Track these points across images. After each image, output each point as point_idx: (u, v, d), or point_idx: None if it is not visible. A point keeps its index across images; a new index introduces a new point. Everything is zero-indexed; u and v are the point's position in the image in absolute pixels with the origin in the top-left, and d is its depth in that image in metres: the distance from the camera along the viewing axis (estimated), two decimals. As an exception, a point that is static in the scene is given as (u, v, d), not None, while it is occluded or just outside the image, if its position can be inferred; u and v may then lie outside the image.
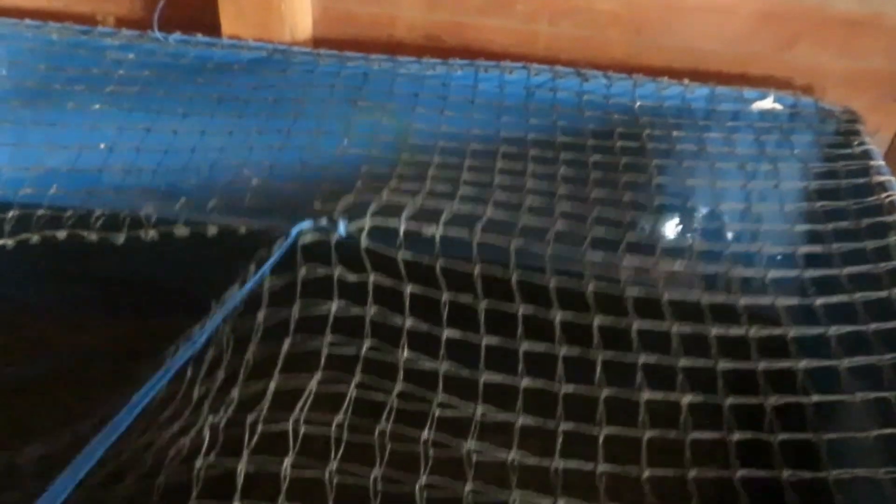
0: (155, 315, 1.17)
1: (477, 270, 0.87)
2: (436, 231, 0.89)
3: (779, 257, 0.92)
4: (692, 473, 0.73)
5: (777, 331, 0.83)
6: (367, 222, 0.89)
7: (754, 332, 0.83)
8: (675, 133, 1.10)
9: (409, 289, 0.85)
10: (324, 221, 0.89)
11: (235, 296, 0.85)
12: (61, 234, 0.92)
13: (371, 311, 0.83)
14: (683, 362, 0.81)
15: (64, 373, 1.10)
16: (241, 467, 0.68)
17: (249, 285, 0.83)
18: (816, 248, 0.92)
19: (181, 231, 0.87)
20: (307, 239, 0.88)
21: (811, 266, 0.90)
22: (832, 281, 0.88)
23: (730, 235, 0.96)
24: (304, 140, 1.05)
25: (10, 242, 0.92)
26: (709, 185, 1.01)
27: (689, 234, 0.97)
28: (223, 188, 0.96)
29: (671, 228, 1.00)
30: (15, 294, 1.23)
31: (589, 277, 0.87)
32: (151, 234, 0.87)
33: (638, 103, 1.17)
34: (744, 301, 0.85)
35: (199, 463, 0.69)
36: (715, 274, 0.88)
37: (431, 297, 0.85)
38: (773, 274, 0.87)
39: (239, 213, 0.91)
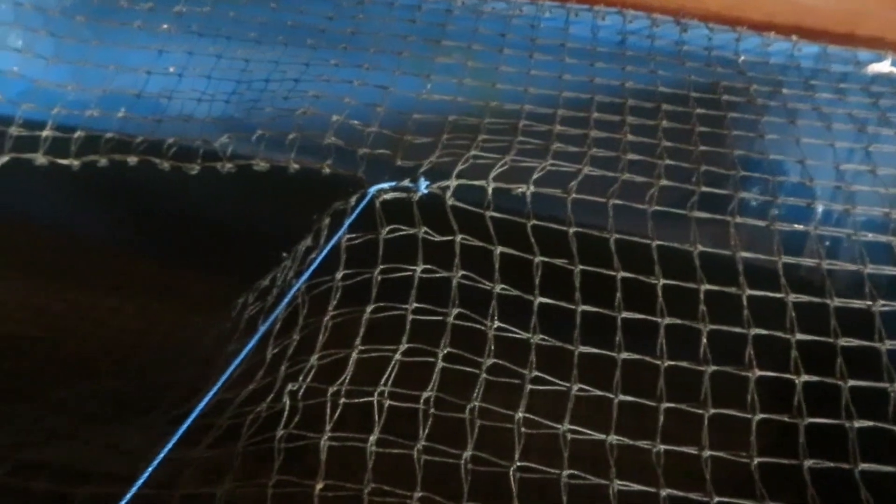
0: (217, 256, 1.13)
1: (571, 231, 0.80)
2: (526, 189, 0.82)
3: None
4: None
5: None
6: (452, 182, 0.82)
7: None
8: (784, 91, 1.01)
9: (498, 251, 0.79)
10: (406, 181, 0.83)
11: (310, 254, 0.81)
12: (132, 160, 0.87)
13: (457, 274, 0.77)
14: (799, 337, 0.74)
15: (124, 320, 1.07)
16: (324, 443, 0.64)
17: (328, 248, 0.78)
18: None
19: (261, 165, 0.82)
20: (387, 196, 0.82)
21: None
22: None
23: (838, 206, 0.87)
24: (384, 79, 0.98)
25: (76, 163, 0.87)
26: (823, 147, 0.92)
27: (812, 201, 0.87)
28: (300, 124, 0.90)
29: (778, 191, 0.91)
30: (70, 223, 1.20)
31: (694, 241, 0.79)
32: (228, 166, 0.82)
33: (742, 58, 1.08)
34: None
35: (279, 433, 0.65)
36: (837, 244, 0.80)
37: (522, 260, 0.79)
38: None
39: (317, 154, 0.85)
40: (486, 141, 0.87)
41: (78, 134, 0.89)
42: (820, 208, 0.85)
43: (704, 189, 0.85)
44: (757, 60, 1.07)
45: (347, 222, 0.79)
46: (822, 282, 0.77)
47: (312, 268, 0.79)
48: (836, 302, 0.76)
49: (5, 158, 0.87)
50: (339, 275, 0.76)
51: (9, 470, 0.68)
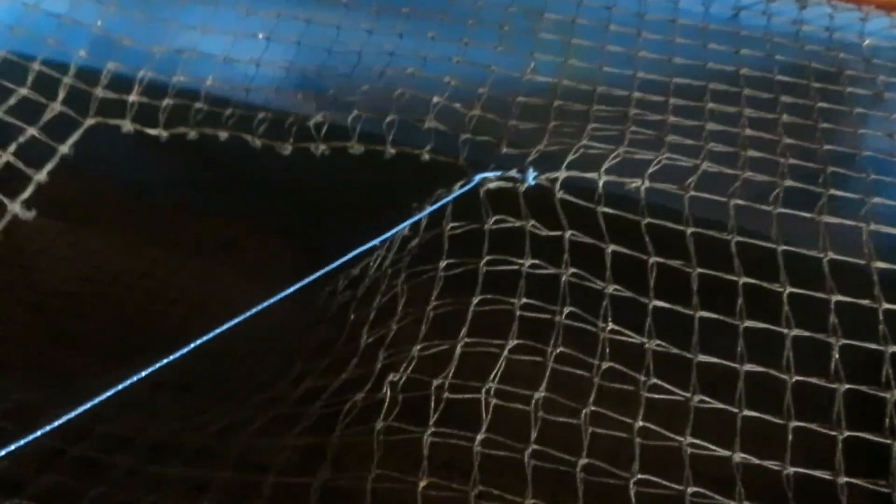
0: (308, 235, 1.09)
1: (689, 231, 0.74)
2: (641, 184, 0.77)
3: None
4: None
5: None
6: (561, 173, 0.78)
7: None
8: None
9: (610, 248, 0.74)
10: (513, 171, 0.78)
11: (408, 243, 0.77)
12: (223, 135, 0.85)
13: (567, 271, 0.72)
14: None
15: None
16: (427, 438, 0.60)
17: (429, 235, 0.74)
18: None
19: (356, 148, 0.78)
20: (492, 185, 0.78)
21: None
22: None
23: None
24: (485, 56, 0.92)
25: (164, 134, 0.85)
26: None
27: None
28: (397, 102, 0.86)
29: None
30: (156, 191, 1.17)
31: (823, 247, 0.73)
32: (322, 148, 0.79)
33: (867, 41, 0.99)
34: None
35: (378, 425, 0.61)
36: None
37: (635, 259, 0.74)
38: None
39: (416, 135, 0.81)
40: (595, 129, 0.82)
41: (166, 102, 0.86)
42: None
43: (832, 192, 0.79)
44: (885, 44, 0.98)
45: (449, 210, 0.75)
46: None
47: (406, 255, 0.75)
48: None
49: (91, 122, 0.86)
50: (441, 264, 0.72)
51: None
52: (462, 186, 0.78)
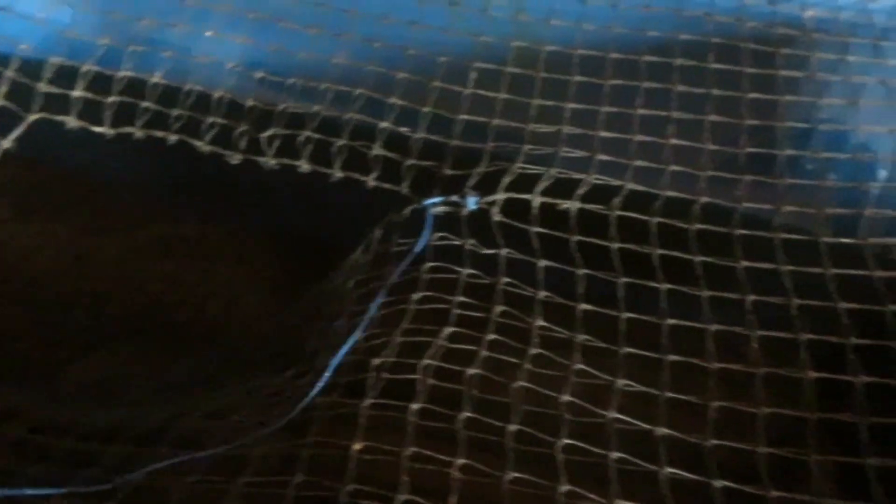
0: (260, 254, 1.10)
1: (616, 246, 0.81)
2: (571, 206, 0.85)
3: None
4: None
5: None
6: (499, 196, 0.85)
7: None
8: (850, 59, 0.97)
9: (542, 263, 0.80)
10: (455, 197, 0.86)
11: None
12: (172, 138, 0.87)
13: (503, 280, 0.78)
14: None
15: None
16: (364, 409, 0.64)
17: (401, 267, 0.79)
18: None
19: (304, 168, 0.85)
20: (438, 210, 0.85)
21: None
22: None
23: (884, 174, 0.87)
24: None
25: (110, 132, 0.88)
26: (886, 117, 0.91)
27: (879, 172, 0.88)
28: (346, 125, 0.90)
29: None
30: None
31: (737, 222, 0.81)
32: (271, 163, 0.85)
33: (809, 12, 1.02)
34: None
35: (318, 400, 0.65)
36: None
37: (567, 271, 0.80)
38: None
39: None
40: (532, 132, 0.89)
41: (112, 99, 0.88)
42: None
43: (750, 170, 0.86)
44: (825, 15, 1.01)
45: (420, 244, 0.80)
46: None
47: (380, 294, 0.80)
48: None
49: (34, 118, 0.87)
50: (386, 271, 0.78)
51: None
52: (412, 212, 0.85)
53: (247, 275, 0.96)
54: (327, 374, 0.66)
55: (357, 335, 0.69)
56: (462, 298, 0.75)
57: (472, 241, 0.81)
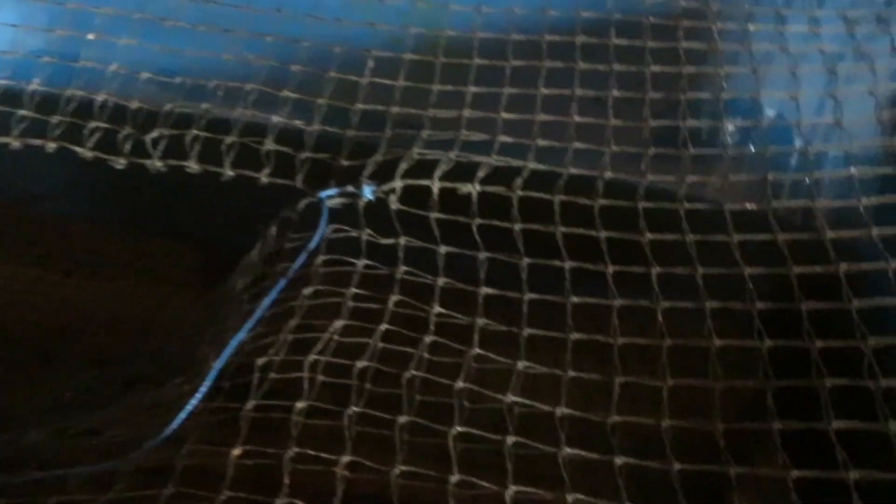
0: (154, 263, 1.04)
1: (518, 227, 0.79)
2: (473, 189, 0.82)
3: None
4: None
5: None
6: (396, 184, 0.82)
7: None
8: (750, 27, 0.95)
9: (442, 249, 0.78)
10: (349, 187, 0.83)
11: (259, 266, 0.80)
12: (49, 146, 0.84)
13: (401, 269, 0.75)
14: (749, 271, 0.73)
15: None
16: (247, 412, 0.60)
17: (296, 263, 0.76)
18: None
19: (193, 169, 0.81)
20: (335, 202, 0.82)
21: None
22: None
23: (800, 142, 0.85)
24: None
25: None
26: (785, 85, 0.89)
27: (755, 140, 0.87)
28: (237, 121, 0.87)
29: (735, 133, 0.91)
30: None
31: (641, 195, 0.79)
32: (158, 165, 0.81)
33: None
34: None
35: (200, 407, 0.61)
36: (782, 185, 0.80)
37: (468, 256, 0.77)
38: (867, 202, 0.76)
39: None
40: (432, 118, 0.87)
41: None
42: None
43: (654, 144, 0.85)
44: None
45: (314, 241, 0.77)
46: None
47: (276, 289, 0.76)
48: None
49: None
50: (279, 268, 0.75)
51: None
52: (306, 206, 0.82)
53: (139, 285, 0.92)
54: (208, 381, 0.62)
55: (241, 336, 0.66)
56: (356, 290, 0.72)
57: (369, 232, 0.78)
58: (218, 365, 0.64)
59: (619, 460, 0.60)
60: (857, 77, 0.89)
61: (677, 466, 0.59)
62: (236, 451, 0.57)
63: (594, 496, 0.57)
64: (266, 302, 0.70)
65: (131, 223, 0.98)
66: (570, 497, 0.56)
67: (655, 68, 0.91)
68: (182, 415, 0.61)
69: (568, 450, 0.60)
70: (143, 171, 0.85)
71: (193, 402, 0.61)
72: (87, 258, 0.95)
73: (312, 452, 0.57)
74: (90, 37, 0.92)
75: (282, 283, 0.71)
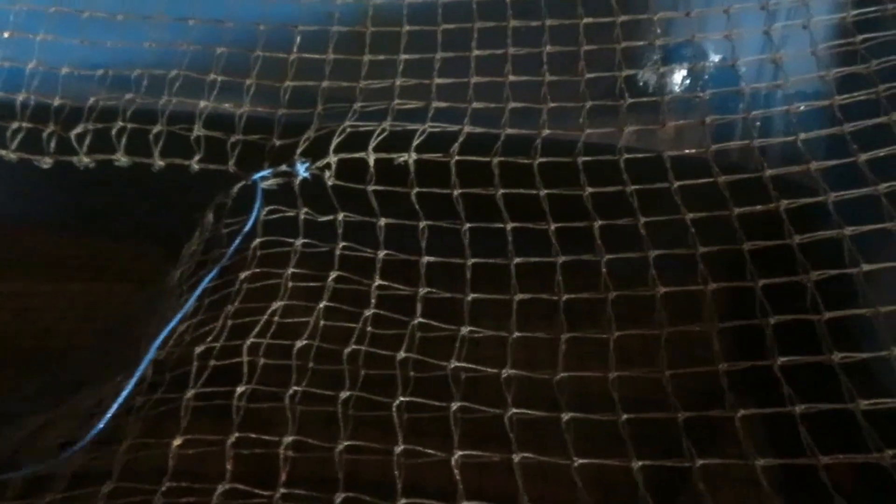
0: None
1: (457, 192, 0.78)
2: (408, 158, 0.81)
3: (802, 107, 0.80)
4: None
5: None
6: (331, 159, 0.81)
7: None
8: None
9: (381, 222, 0.76)
10: (284, 166, 0.81)
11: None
12: None
13: (340, 245, 0.74)
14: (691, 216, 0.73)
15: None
16: (187, 401, 0.59)
17: (231, 248, 0.74)
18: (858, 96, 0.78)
19: (122, 162, 0.79)
20: (268, 183, 0.80)
21: (850, 119, 0.76)
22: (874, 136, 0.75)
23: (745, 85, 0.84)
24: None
25: None
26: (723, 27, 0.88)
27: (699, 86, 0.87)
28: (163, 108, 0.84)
29: (678, 80, 0.90)
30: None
31: (580, 150, 0.78)
32: (86, 161, 0.79)
33: None
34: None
35: (139, 400, 0.60)
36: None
37: (409, 225, 0.76)
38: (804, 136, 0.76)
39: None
40: (363, 90, 0.85)
41: None
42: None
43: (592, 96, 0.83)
44: None
45: (245, 229, 0.75)
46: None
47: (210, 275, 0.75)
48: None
49: None
50: (216, 253, 0.73)
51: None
52: (241, 189, 0.80)
53: (78, 284, 0.89)
54: (135, 376, 0.61)
55: (171, 326, 0.64)
56: (295, 270, 0.71)
57: (305, 210, 0.77)
58: (147, 358, 0.62)
59: (565, 416, 0.59)
60: (794, 13, 0.89)
61: (624, 416, 0.59)
62: (177, 441, 0.56)
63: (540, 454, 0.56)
64: (197, 291, 0.68)
65: (64, 223, 0.95)
66: (516, 457, 0.56)
67: (588, 20, 0.91)
68: (107, 416, 0.60)
69: (514, 410, 0.59)
70: (72, 170, 0.83)
71: (122, 395, 0.60)
72: (23, 260, 0.92)
73: (254, 436, 0.56)
74: (6, 35, 0.89)
75: (215, 270, 0.69)
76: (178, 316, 0.65)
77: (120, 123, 0.81)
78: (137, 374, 0.60)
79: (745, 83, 0.86)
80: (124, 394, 0.59)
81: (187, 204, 0.81)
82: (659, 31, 0.89)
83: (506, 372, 0.63)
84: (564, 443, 0.57)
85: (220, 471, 0.55)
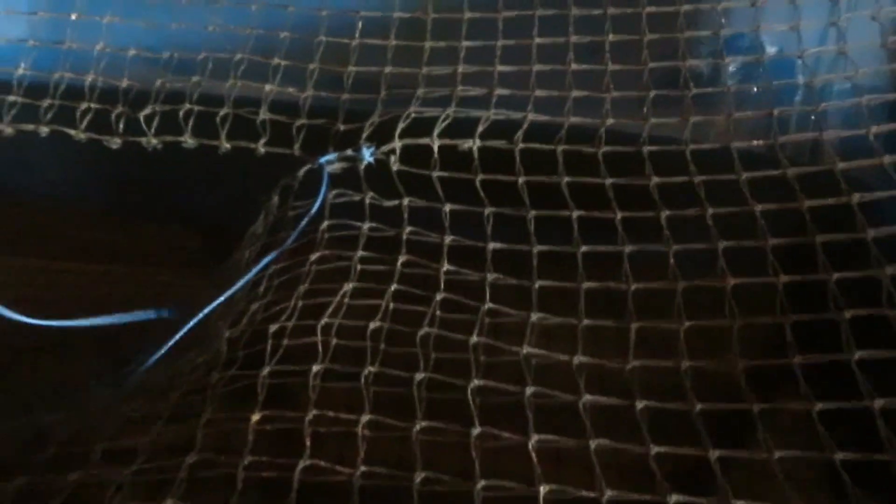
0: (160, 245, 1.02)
1: (521, 180, 0.78)
2: (473, 144, 0.81)
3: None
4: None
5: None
6: (396, 144, 0.81)
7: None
8: None
9: (447, 207, 0.77)
10: (349, 151, 0.82)
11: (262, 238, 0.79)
12: (43, 130, 0.83)
13: (406, 230, 0.74)
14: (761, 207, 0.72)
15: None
16: (263, 379, 0.59)
17: (297, 230, 0.75)
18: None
19: (189, 143, 0.80)
20: (334, 167, 0.81)
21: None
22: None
23: (803, 79, 0.83)
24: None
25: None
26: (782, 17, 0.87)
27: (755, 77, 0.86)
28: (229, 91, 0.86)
29: (736, 72, 0.89)
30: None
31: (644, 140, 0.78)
32: (154, 142, 0.80)
33: None
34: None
35: (214, 376, 0.60)
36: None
37: (474, 212, 0.76)
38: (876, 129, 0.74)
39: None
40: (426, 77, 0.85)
41: None
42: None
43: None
44: None
45: (315, 208, 0.76)
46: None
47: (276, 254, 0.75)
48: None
49: None
50: (283, 236, 0.74)
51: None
52: (306, 173, 0.80)
53: (145, 269, 0.90)
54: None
55: (220, 300, 0.65)
56: (363, 253, 0.71)
57: (371, 195, 0.77)
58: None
59: (640, 404, 0.59)
60: (860, 2, 0.88)
61: (699, 407, 0.59)
62: (255, 417, 0.56)
63: (616, 441, 0.56)
64: (263, 263, 0.69)
65: (129, 207, 0.96)
66: (592, 443, 0.56)
67: (651, 8, 0.90)
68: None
69: (588, 396, 0.59)
70: (137, 153, 0.84)
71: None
72: (89, 245, 0.93)
73: (332, 414, 0.57)
74: (73, 17, 0.90)
75: (281, 248, 0.70)
76: (240, 283, 0.65)
77: (187, 105, 0.82)
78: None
79: (802, 76, 0.86)
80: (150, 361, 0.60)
81: (251, 188, 0.82)
82: (724, 20, 0.89)
83: (577, 359, 0.63)
84: (639, 430, 0.57)
85: (298, 449, 0.55)
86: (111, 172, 0.92)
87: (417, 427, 0.56)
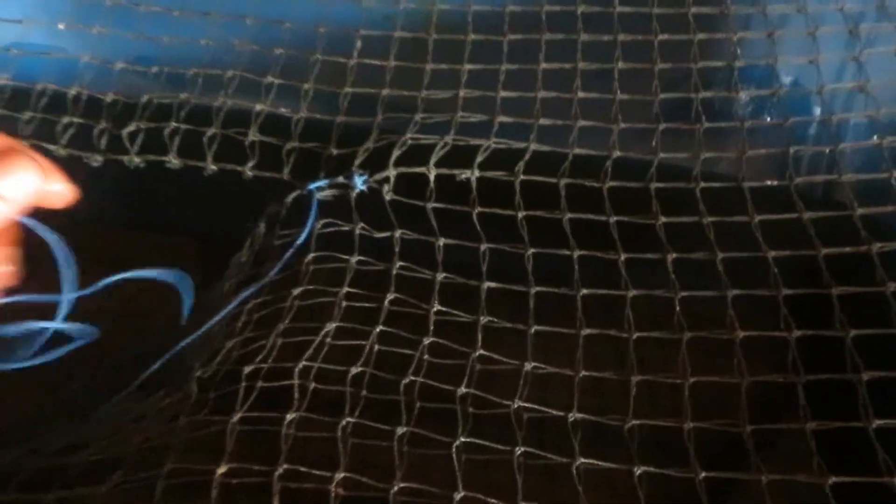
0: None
1: (521, 215, 0.74)
2: (472, 174, 0.77)
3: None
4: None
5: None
6: (390, 172, 0.77)
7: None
8: None
9: (440, 242, 0.72)
10: (341, 178, 0.77)
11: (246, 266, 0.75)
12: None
13: (397, 264, 0.70)
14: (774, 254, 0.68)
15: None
16: (232, 426, 0.55)
17: (282, 261, 0.70)
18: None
19: (174, 163, 0.76)
20: (325, 194, 0.77)
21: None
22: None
23: (819, 114, 0.79)
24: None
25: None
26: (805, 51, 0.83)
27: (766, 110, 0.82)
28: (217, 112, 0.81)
29: (748, 104, 0.84)
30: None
31: (652, 175, 0.74)
32: (136, 161, 0.76)
33: None
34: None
35: (182, 420, 0.56)
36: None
37: (470, 248, 0.72)
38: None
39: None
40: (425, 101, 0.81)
41: None
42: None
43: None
44: None
45: (302, 237, 0.72)
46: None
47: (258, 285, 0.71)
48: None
49: None
50: (267, 267, 0.70)
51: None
52: (295, 199, 0.76)
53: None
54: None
55: (192, 337, 0.61)
56: (349, 289, 0.67)
57: (362, 225, 0.73)
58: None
59: (638, 470, 0.55)
60: (881, 38, 0.83)
61: (703, 474, 0.54)
62: (221, 469, 0.52)
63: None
64: (241, 297, 0.65)
65: (110, 221, 0.92)
66: (584, 512, 0.51)
67: (663, 37, 0.86)
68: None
69: (582, 459, 0.55)
70: (122, 166, 0.80)
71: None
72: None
73: (304, 469, 0.52)
74: (60, 27, 0.86)
75: (262, 281, 0.66)
76: (215, 319, 0.61)
77: (173, 124, 0.78)
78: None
79: (819, 111, 0.82)
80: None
81: (239, 210, 0.78)
82: (739, 51, 0.85)
83: (573, 415, 0.58)
84: (636, 497, 0.53)
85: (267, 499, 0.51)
86: (93, 184, 0.88)
87: (395, 488, 0.52)
